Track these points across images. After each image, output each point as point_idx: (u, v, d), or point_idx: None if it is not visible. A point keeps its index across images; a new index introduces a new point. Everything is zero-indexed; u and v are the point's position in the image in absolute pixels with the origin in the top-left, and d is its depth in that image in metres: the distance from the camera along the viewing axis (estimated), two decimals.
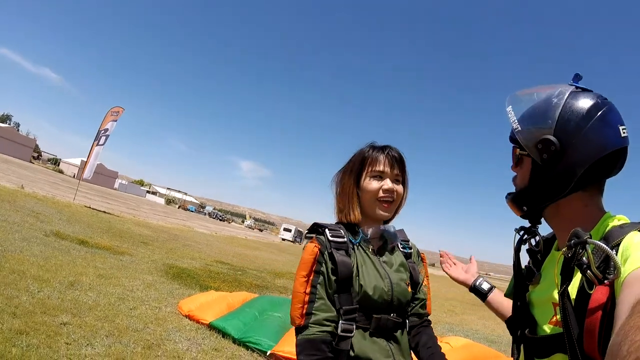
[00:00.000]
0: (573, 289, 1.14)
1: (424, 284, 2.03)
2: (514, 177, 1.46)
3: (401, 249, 2.00)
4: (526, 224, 1.48)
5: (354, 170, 1.94)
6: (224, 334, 6.29)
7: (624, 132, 1.26)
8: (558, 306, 1.16)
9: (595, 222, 1.28)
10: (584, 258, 1.07)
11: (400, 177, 1.94)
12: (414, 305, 1.99)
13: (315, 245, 1.78)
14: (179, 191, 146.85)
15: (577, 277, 1.14)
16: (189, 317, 6.86)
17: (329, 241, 1.78)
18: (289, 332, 6.34)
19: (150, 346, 5.24)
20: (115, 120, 24.46)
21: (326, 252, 1.77)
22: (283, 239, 78.09)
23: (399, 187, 1.92)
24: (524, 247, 1.50)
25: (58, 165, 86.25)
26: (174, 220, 38.02)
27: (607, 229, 1.21)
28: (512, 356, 1.44)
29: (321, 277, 1.74)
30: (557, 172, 1.28)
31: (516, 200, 1.42)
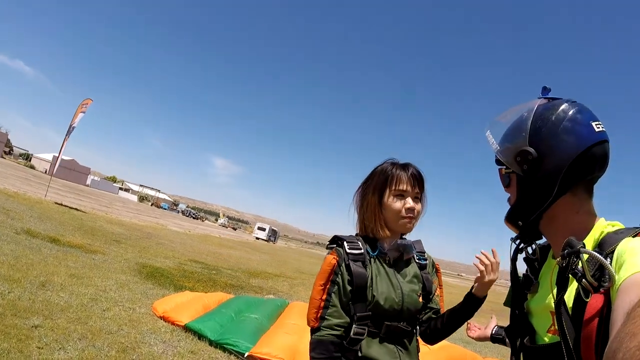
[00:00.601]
0: (570, 297, 1.16)
1: (436, 293, 2.11)
2: (508, 198, 1.48)
3: (417, 261, 2.09)
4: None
5: (377, 187, 2.03)
6: (200, 336, 6.20)
7: (598, 127, 1.29)
8: (555, 315, 1.17)
9: (589, 228, 1.29)
10: (578, 267, 1.08)
11: (420, 194, 2.04)
12: (425, 313, 2.08)
13: (334, 257, 1.92)
14: (152, 188, 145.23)
15: (574, 286, 1.15)
16: (163, 318, 6.75)
17: (347, 253, 1.91)
18: (266, 333, 6.32)
19: (124, 349, 5.14)
20: (84, 112, 24.11)
21: (343, 264, 1.89)
22: (257, 238, 77.69)
23: (419, 206, 2.02)
24: (521, 256, 1.51)
25: (30, 160, 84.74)
26: (147, 218, 37.62)
27: (602, 235, 1.23)
28: None
29: (336, 287, 1.88)
30: (539, 178, 1.31)
31: (511, 218, 1.44)
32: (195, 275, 12.31)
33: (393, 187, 1.99)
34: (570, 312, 1.13)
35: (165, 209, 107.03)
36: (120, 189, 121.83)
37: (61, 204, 21.86)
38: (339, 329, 1.85)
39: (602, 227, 1.27)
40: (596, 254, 1.05)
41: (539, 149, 1.31)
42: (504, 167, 1.45)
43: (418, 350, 2.04)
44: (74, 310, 6.06)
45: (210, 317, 6.68)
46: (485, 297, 1.93)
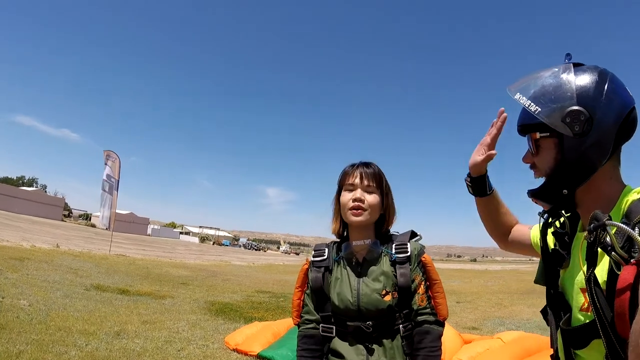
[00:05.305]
0: (603, 271, 1.11)
1: (419, 292, 1.99)
2: (531, 167, 1.43)
3: (393, 254, 2.03)
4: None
5: (338, 188, 2.16)
6: None
7: (630, 92, 1.29)
8: (587, 292, 1.13)
9: (618, 196, 1.26)
10: (607, 239, 1.04)
11: (374, 187, 2.07)
12: (408, 313, 2.00)
13: (306, 264, 2.16)
14: (212, 227, 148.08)
15: (605, 259, 1.11)
16: (236, 350, 6.86)
17: (312, 261, 2.13)
18: None
19: None
20: (108, 164, 25.43)
21: (310, 270, 2.12)
22: None
23: (370, 197, 2.05)
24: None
25: (89, 219, 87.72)
26: (210, 257, 38.35)
27: (628, 204, 1.18)
28: (551, 346, 1.41)
29: (308, 289, 2.11)
30: (593, 140, 1.24)
31: (548, 190, 1.36)
32: (263, 305, 12.43)
33: (345, 183, 2.10)
34: (604, 287, 1.10)
35: (226, 245, 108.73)
36: (181, 233, 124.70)
37: (126, 256, 22.59)
38: (313, 324, 2.06)
39: (628, 195, 1.24)
40: (623, 225, 1.02)
41: (589, 110, 1.24)
42: (537, 132, 1.36)
43: (409, 349, 1.96)
44: (150, 354, 6.22)
45: (281, 344, 6.70)
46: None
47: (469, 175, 1.77)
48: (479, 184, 1.76)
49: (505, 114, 1.62)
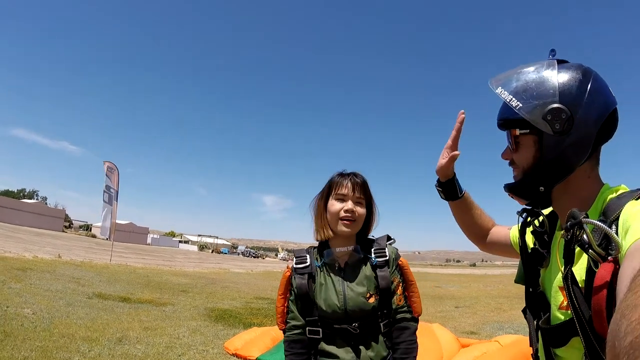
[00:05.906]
0: (582, 270, 1.12)
1: (397, 292, 2.15)
2: (510, 163, 1.41)
3: (373, 259, 2.17)
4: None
5: (324, 194, 2.24)
6: None
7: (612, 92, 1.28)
8: (564, 290, 1.13)
9: (596, 194, 1.26)
10: (584, 237, 1.04)
11: (363, 199, 2.19)
12: (387, 312, 2.14)
13: (288, 271, 2.22)
14: (210, 236, 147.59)
15: (584, 258, 1.12)
16: (236, 355, 6.97)
17: (294, 268, 2.18)
18: None
19: None
20: (109, 175, 25.60)
21: (294, 277, 2.18)
22: None
23: (360, 209, 2.16)
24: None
25: (90, 230, 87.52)
26: (209, 264, 38.31)
27: (605, 202, 1.19)
28: (530, 345, 1.40)
29: (291, 296, 2.18)
30: (572, 140, 1.23)
31: (525, 185, 1.36)
32: (262, 311, 12.53)
33: (335, 192, 2.17)
34: (583, 285, 1.09)
35: (225, 253, 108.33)
36: (180, 241, 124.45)
37: (127, 265, 22.69)
38: (298, 330, 2.14)
39: (606, 193, 1.24)
40: (599, 223, 1.02)
41: (570, 108, 1.22)
42: (517, 128, 1.33)
43: (389, 343, 2.13)
44: (152, 359, 6.38)
45: (279, 349, 6.74)
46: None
47: (438, 180, 1.82)
48: (449, 188, 1.80)
49: (463, 116, 1.67)
